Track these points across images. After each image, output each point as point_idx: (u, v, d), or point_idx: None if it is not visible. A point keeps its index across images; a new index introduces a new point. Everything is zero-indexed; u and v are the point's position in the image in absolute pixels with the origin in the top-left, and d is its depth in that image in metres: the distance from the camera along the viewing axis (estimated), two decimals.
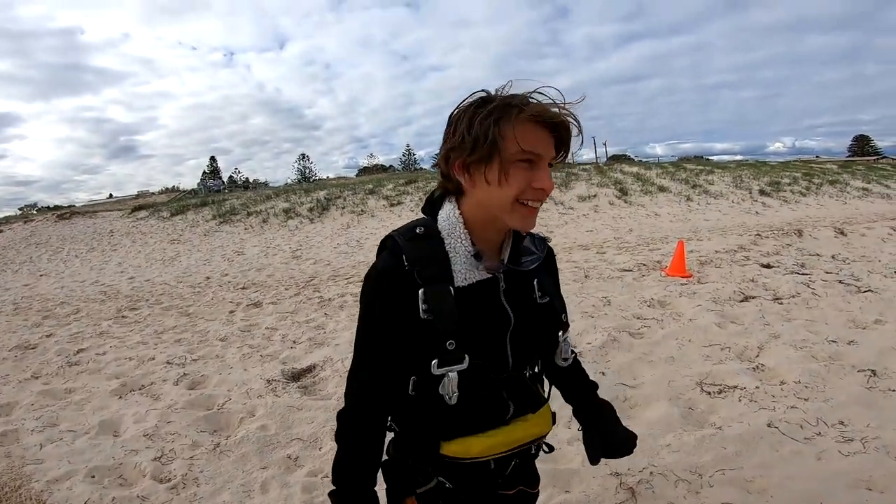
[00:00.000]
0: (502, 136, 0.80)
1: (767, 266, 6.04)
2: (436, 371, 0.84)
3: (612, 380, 3.04)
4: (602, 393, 3.00)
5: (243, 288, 7.65)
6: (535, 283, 0.98)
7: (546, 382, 1.12)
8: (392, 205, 15.13)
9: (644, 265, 6.58)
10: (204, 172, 73.44)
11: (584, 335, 3.87)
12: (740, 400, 2.70)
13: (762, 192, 16.76)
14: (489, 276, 0.91)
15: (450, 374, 0.85)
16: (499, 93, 0.85)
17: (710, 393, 2.81)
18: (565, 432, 2.41)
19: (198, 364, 4.08)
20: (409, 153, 68.99)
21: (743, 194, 16.53)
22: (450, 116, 0.88)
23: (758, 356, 3.31)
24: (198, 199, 19.87)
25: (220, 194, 25.55)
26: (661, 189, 16.49)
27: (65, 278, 10.87)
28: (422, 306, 0.84)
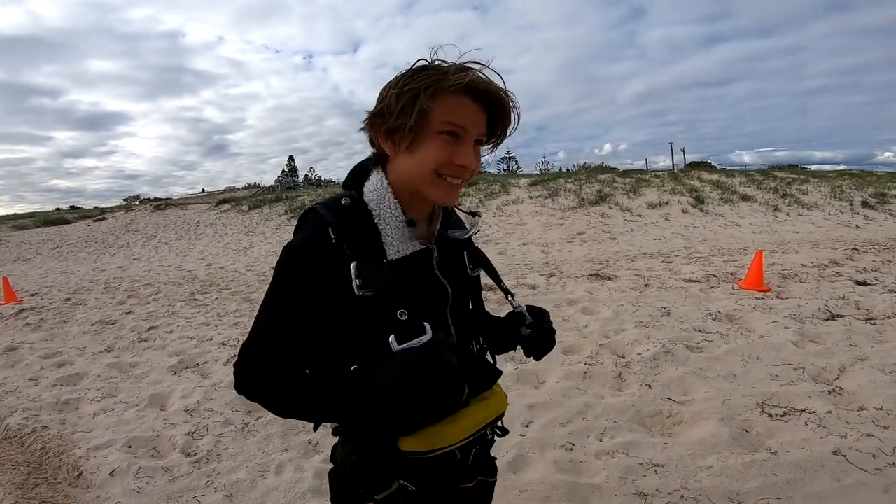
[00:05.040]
0: (428, 104, 0.76)
1: (863, 283, 5.35)
2: (396, 348, 0.73)
3: (658, 393, 2.77)
4: (644, 407, 2.78)
5: None
6: (465, 255, 0.97)
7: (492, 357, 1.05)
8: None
9: (714, 276, 6.07)
10: (283, 171, 77.77)
11: (634, 345, 3.60)
12: (806, 424, 2.37)
13: (865, 205, 14.98)
14: (422, 247, 0.86)
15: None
16: (436, 62, 0.79)
17: (771, 415, 2.48)
18: (595, 444, 2.22)
19: None
20: None
21: (842, 206, 14.87)
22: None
23: (837, 379, 2.90)
24: (273, 195, 21.03)
25: (294, 191, 26.95)
26: (745, 198, 15.22)
27: (153, 262, 11.87)
28: (355, 282, 0.77)
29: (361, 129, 0.87)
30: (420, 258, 0.86)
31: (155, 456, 2.49)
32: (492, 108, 0.80)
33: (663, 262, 7.53)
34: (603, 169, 22.50)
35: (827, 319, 4.11)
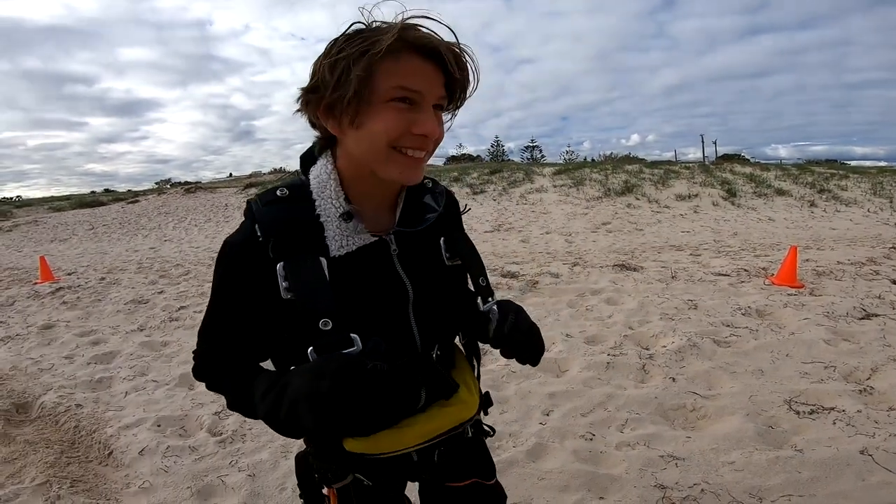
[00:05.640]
0: (371, 68, 0.66)
1: None
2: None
3: (682, 387, 2.73)
4: (668, 399, 2.74)
5: None
6: (441, 241, 0.85)
7: (474, 360, 0.96)
8: (475, 193, 15.07)
9: (745, 271, 5.91)
10: None
11: (659, 338, 3.55)
12: (835, 423, 2.31)
13: None
14: (374, 239, 0.77)
15: None
16: (374, 24, 0.69)
17: (799, 412, 2.42)
18: (615, 435, 2.21)
19: None
20: (498, 144, 68.07)
21: (882, 203, 14.24)
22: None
23: (869, 378, 2.81)
24: None
25: None
26: (780, 192, 14.73)
27: (184, 244, 12.19)
28: (282, 284, 0.70)
29: (297, 110, 0.76)
30: (374, 252, 0.77)
31: (182, 435, 2.56)
32: (446, 65, 0.70)
33: (691, 254, 7.37)
34: (630, 159, 22.04)
35: (861, 318, 3.98)
